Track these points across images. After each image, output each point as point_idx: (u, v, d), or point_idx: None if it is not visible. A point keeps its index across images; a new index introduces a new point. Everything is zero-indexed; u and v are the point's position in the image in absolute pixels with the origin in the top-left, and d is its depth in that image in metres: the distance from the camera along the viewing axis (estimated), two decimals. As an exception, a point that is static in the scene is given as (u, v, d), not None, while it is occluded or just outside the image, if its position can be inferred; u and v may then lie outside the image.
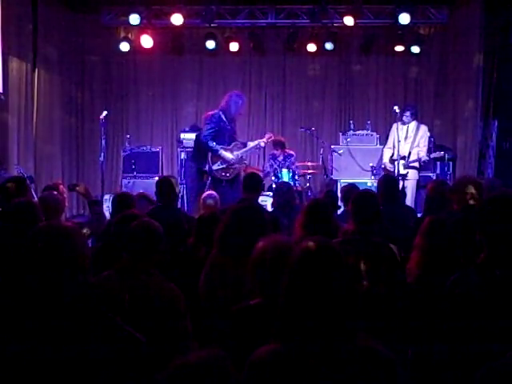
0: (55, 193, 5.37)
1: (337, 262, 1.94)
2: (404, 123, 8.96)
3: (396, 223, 4.98)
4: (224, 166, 7.90)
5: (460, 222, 4.18)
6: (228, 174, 7.92)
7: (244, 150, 8.14)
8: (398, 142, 8.59)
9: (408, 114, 8.95)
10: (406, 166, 8.73)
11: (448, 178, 9.72)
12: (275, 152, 9.57)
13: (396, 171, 8.55)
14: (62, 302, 1.99)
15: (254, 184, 5.72)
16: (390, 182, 6.10)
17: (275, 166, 9.39)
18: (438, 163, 9.92)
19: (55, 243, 2.06)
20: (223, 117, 7.92)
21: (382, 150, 9.39)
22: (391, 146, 9.04)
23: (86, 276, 2.12)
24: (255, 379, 1.89)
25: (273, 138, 8.69)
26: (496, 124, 9.78)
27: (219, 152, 7.86)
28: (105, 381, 1.94)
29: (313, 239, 2.03)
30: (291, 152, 9.63)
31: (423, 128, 9.05)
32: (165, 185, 5.34)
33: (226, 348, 2.47)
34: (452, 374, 2.47)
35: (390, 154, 9.03)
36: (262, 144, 8.39)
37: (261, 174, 7.57)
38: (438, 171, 9.83)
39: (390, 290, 3.38)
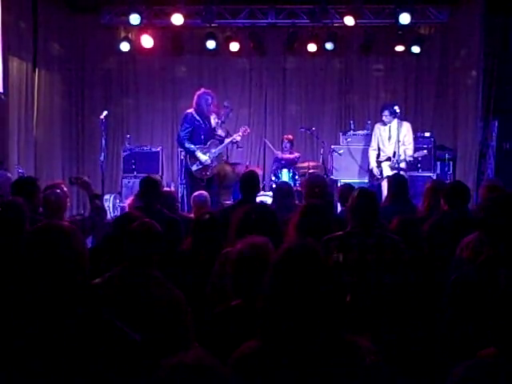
0: (58, 191, 5.35)
1: (316, 262, 1.94)
2: (385, 124, 8.85)
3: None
4: (202, 166, 8.04)
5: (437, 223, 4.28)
6: (208, 173, 8.09)
7: (220, 146, 8.28)
8: (389, 142, 8.55)
9: (387, 113, 8.80)
10: (393, 168, 8.60)
11: (448, 178, 9.71)
12: (284, 150, 9.65)
13: (388, 172, 8.48)
14: (60, 302, 1.99)
15: (253, 184, 5.67)
16: (399, 180, 6.10)
17: (280, 166, 9.45)
18: (439, 163, 9.91)
19: (54, 243, 2.06)
20: (196, 116, 8.04)
21: (368, 153, 9.22)
22: (376, 147, 8.96)
23: (85, 277, 2.12)
24: (237, 375, 1.90)
25: (248, 131, 8.75)
26: (496, 124, 9.77)
27: (196, 153, 8.01)
28: (101, 381, 1.93)
29: (299, 241, 2.05)
30: (297, 154, 9.72)
31: (405, 125, 8.85)
32: (146, 185, 5.23)
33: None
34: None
35: (376, 155, 8.96)
36: (238, 138, 8.48)
37: (260, 173, 7.62)
38: (438, 171, 9.82)
39: (395, 278, 3.44)
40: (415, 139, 9.21)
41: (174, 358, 1.59)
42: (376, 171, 8.86)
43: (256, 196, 5.92)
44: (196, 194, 6.29)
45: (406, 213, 5.12)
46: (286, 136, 10.06)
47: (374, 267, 3.47)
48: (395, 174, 7.44)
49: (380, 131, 8.87)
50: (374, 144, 9.03)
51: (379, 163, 8.85)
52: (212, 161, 8.07)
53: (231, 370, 1.91)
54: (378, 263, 3.47)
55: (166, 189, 8.81)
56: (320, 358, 1.85)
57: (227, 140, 8.42)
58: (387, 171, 8.63)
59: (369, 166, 9.19)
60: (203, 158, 8.00)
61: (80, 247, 2.13)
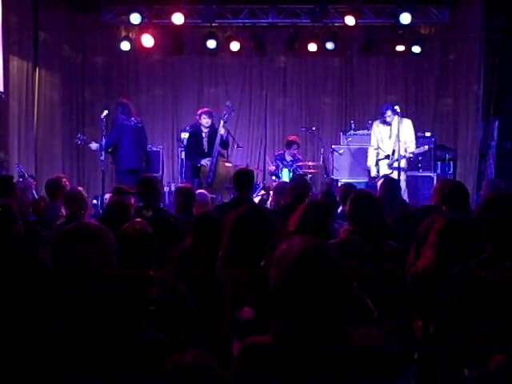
0: (81, 189, 5.33)
1: (330, 262, 1.92)
2: (385, 122, 8.69)
3: (396, 222, 4.97)
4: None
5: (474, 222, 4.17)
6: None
7: None
8: (390, 140, 8.52)
9: (389, 113, 8.65)
10: (391, 166, 8.53)
11: (449, 178, 9.70)
12: (285, 151, 9.60)
13: (386, 171, 8.48)
14: (92, 303, 2.00)
15: (247, 181, 5.65)
16: (389, 182, 6.13)
17: (281, 166, 9.40)
18: (439, 163, 9.90)
19: (88, 244, 2.07)
20: None
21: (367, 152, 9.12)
22: (376, 146, 8.83)
23: (113, 279, 2.12)
24: (244, 368, 1.91)
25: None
26: (497, 124, 9.78)
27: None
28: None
29: (308, 238, 2.02)
30: (300, 156, 9.66)
31: (406, 122, 8.71)
32: (145, 184, 5.28)
33: None
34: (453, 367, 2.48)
35: (375, 154, 8.83)
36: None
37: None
38: (439, 171, 9.80)
39: (391, 289, 3.36)
40: (416, 139, 9.16)
41: (174, 358, 1.60)
42: (373, 170, 8.82)
43: (251, 193, 5.89)
44: (196, 192, 6.28)
45: (396, 213, 5.12)
46: (293, 137, 9.79)
47: (370, 278, 3.27)
48: (385, 176, 7.41)
49: (379, 129, 8.80)
50: (373, 143, 8.88)
51: (377, 162, 8.80)
52: None
53: (238, 360, 1.92)
54: (374, 273, 3.31)
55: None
56: (327, 356, 1.86)
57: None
58: (385, 170, 8.60)
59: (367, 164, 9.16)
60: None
61: (111, 250, 2.13)
